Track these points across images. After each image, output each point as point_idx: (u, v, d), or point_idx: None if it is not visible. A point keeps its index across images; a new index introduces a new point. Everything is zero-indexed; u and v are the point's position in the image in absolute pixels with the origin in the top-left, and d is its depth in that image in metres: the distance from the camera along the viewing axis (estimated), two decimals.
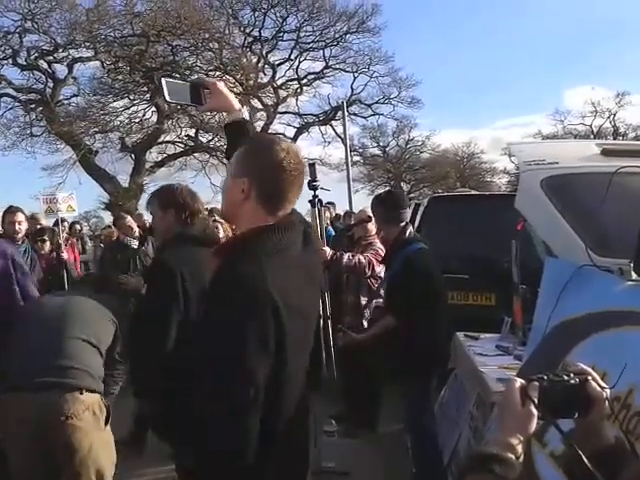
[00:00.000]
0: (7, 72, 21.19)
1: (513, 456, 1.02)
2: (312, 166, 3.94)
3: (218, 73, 22.36)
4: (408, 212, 3.82)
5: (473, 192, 8.91)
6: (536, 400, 1.09)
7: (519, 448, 1.04)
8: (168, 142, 22.58)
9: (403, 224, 3.58)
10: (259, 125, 25.14)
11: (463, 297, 5.44)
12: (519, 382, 1.12)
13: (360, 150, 31.36)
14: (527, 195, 2.49)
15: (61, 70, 21.65)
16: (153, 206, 2.81)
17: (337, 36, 25.04)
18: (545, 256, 2.53)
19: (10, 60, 20.80)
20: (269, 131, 25.50)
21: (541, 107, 59.46)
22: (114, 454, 2.67)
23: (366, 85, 26.88)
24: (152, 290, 2.69)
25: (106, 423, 2.64)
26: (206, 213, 4.68)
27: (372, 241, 4.60)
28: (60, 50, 20.99)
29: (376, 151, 33.35)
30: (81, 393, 2.52)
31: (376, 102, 27.39)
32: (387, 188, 31.81)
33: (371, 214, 4.20)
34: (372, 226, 4.49)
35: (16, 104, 21.41)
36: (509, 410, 1.09)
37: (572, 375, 1.13)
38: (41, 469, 2.54)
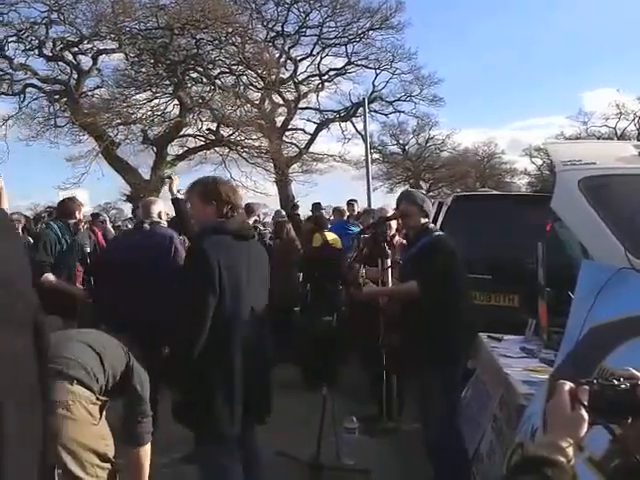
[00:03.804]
0: (33, 63, 21.54)
1: (565, 459, 1.00)
2: None
3: (240, 67, 22.46)
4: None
5: (496, 192, 8.84)
6: (586, 404, 1.07)
7: (570, 451, 1.02)
8: (189, 135, 22.71)
9: (427, 219, 3.61)
10: (279, 120, 25.26)
11: (486, 298, 5.39)
12: (568, 385, 1.10)
13: (380, 147, 31.26)
14: (564, 195, 2.45)
15: (86, 62, 21.93)
16: (193, 196, 2.88)
17: (360, 32, 25.03)
18: (581, 258, 2.49)
19: (36, 51, 21.09)
20: (289, 126, 25.63)
21: (560, 108, 58.79)
22: (110, 448, 2.53)
23: (388, 82, 26.90)
24: (190, 276, 2.76)
25: (100, 417, 2.50)
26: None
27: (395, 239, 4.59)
28: (85, 42, 21.22)
29: (395, 149, 33.29)
30: (71, 384, 2.41)
31: (397, 99, 27.41)
32: (406, 186, 31.78)
33: (391, 211, 4.20)
34: (394, 223, 4.48)
35: (41, 95, 21.70)
36: (559, 413, 1.07)
37: (622, 380, 1.11)
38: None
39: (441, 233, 3.59)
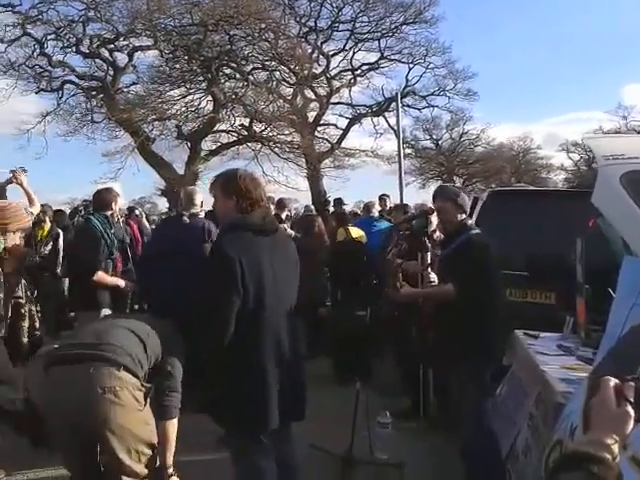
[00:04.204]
0: (70, 60, 22.01)
1: (610, 457, 0.99)
2: None
3: (273, 63, 22.53)
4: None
5: (533, 188, 8.67)
6: (632, 400, 1.05)
7: (615, 448, 1.01)
8: (222, 131, 22.88)
9: (465, 215, 3.58)
10: (311, 115, 25.26)
11: (522, 294, 5.32)
12: (613, 382, 1.09)
13: (412, 142, 31.02)
14: (605, 190, 2.40)
15: (121, 58, 22.29)
16: (216, 190, 2.83)
17: (393, 27, 24.81)
18: (623, 254, 2.44)
19: (74, 48, 21.51)
20: (321, 121, 25.60)
21: (599, 103, 57.47)
22: (154, 434, 2.65)
23: (421, 76, 26.63)
24: (211, 275, 2.72)
25: (145, 403, 2.61)
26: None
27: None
28: (121, 39, 21.57)
29: (428, 144, 32.98)
30: (118, 370, 2.49)
31: (431, 94, 27.11)
32: (439, 182, 31.49)
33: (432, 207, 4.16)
34: (434, 219, 4.43)
35: (78, 91, 22.13)
36: (604, 410, 1.06)
37: None
38: (76, 443, 2.53)
39: (477, 231, 3.54)
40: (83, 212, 9.11)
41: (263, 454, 2.73)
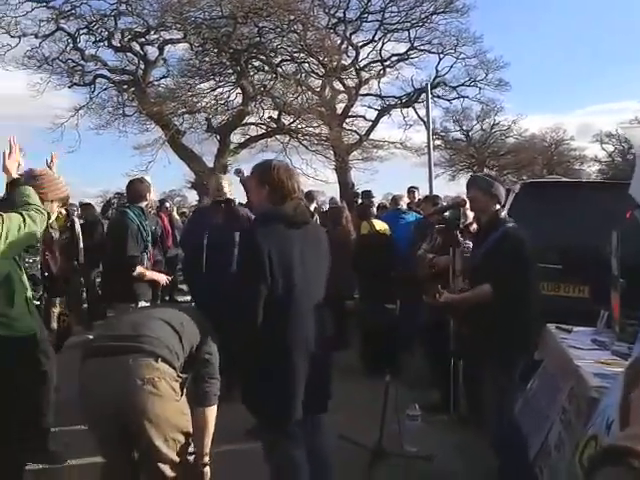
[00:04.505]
0: (102, 54, 22.31)
1: None
2: None
3: (302, 55, 22.49)
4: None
5: (566, 179, 8.51)
6: None
7: None
8: (251, 124, 22.98)
9: (499, 206, 3.52)
10: (340, 107, 25.18)
11: (554, 288, 5.23)
12: None
13: (442, 134, 30.70)
14: None
15: (152, 52, 22.49)
16: (252, 179, 2.88)
17: (423, 17, 24.49)
18: None
19: (105, 42, 21.80)
20: (350, 113, 25.50)
21: (633, 93, 55.75)
22: (189, 423, 2.67)
23: (451, 67, 26.26)
24: (241, 265, 2.77)
25: (182, 394, 2.64)
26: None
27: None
28: (152, 32, 21.77)
29: (459, 135, 32.58)
30: (156, 361, 2.53)
31: (461, 84, 26.72)
32: (469, 174, 31.10)
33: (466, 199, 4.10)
34: (469, 212, 4.37)
35: (110, 85, 22.42)
36: None
37: None
38: (114, 433, 2.58)
39: (512, 224, 3.47)
40: (116, 204, 9.22)
41: (294, 444, 2.74)
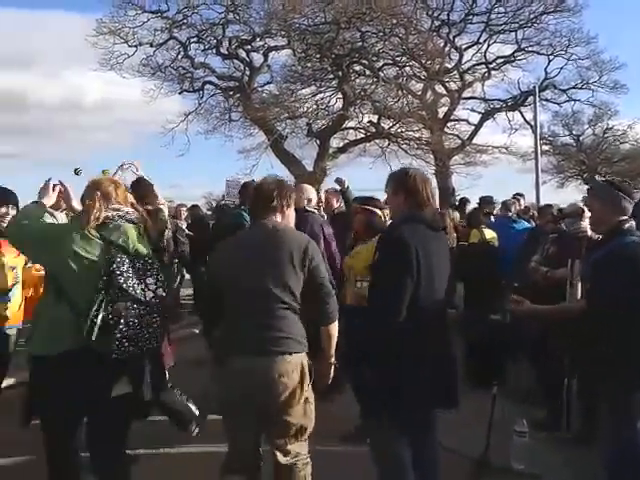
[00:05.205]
0: (211, 61, 23.38)
1: None
2: None
3: (404, 58, 22.32)
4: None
5: None
6: None
7: None
8: (351, 128, 23.08)
9: (623, 216, 3.22)
10: (442, 111, 24.71)
11: None
12: None
13: (550, 139, 29.21)
14: None
15: (257, 59, 23.28)
16: (388, 186, 3.05)
17: (532, 17, 23.48)
18: None
19: (214, 50, 22.81)
20: (452, 117, 24.96)
21: None
22: (313, 412, 2.90)
23: (562, 69, 24.98)
24: (386, 262, 2.81)
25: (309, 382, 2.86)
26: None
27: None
28: (257, 39, 22.52)
29: (568, 140, 30.82)
30: (290, 354, 2.76)
31: (572, 87, 25.37)
32: (579, 181, 29.50)
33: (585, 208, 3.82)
34: (585, 223, 4.05)
35: (217, 91, 23.46)
36: None
37: None
38: (252, 422, 2.86)
39: (636, 238, 3.11)
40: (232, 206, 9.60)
41: (401, 442, 2.80)
